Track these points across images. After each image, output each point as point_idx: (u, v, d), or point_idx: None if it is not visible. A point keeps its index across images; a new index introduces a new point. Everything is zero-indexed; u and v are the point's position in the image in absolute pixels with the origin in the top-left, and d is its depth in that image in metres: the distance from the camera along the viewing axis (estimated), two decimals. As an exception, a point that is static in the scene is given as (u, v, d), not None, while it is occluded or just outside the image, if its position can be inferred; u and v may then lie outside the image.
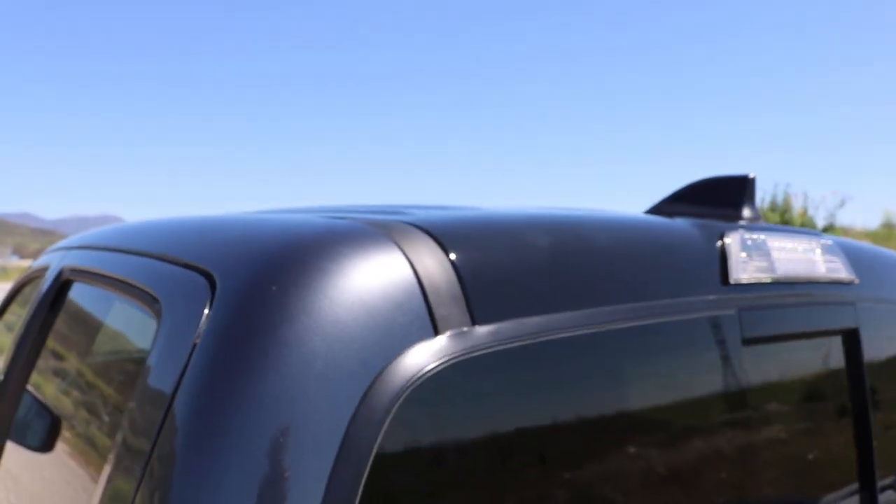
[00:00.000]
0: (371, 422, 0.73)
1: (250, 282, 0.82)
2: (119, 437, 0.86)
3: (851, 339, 1.41)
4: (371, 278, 0.81)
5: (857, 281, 1.43)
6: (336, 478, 0.69)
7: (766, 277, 1.20)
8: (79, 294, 1.58)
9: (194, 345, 0.81)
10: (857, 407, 1.41)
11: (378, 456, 0.72)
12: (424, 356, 0.78)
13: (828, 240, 1.43)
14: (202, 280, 0.90)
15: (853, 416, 1.41)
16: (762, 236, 1.25)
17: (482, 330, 0.83)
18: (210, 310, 0.83)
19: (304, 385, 0.72)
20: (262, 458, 0.69)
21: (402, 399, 0.74)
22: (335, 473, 0.69)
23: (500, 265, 0.90)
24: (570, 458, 0.90)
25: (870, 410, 1.41)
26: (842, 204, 16.00)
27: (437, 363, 0.78)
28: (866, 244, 1.64)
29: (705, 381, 1.12)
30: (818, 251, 1.37)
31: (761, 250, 1.21)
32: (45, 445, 1.26)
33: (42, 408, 1.47)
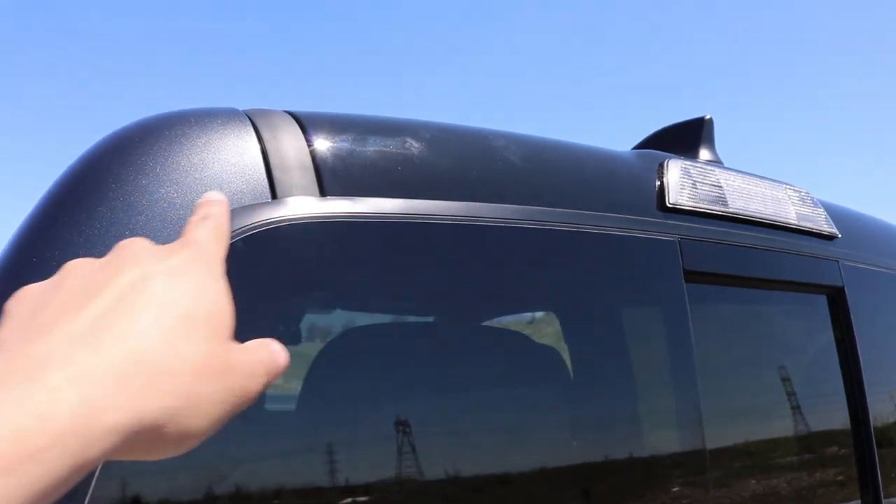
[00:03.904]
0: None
1: (82, 154, 0.78)
2: None
3: (836, 300, 1.26)
4: (208, 147, 0.76)
5: (839, 236, 1.29)
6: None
7: (714, 209, 1.09)
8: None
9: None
10: (847, 372, 1.26)
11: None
12: (253, 215, 0.71)
13: (803, 190, 1.30)
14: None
15: (844, 382, 1.26)
16: (713, 169, 1.14)
17: (331, 201, 0.76)
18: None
19: (134, 227, 0.68)
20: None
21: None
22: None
23: (365, 149, 0.82)
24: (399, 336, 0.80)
25: (863, 377, 1.25)
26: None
27: (264, 222, 0.71)
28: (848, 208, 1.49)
29: (631, 314, 1.00)
30: (790, 196, 1.25)
31: (708, 180, 1.10)
32: None
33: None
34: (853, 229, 1.36)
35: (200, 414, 0.30)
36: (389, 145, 0.84)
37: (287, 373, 0.36)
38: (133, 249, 0.34)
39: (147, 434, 0.28)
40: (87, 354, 0.27)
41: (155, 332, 0.29)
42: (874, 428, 1.25)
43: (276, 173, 0.75)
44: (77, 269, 0.33)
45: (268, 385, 0.34)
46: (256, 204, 0.72)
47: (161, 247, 0.34)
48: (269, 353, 0.35)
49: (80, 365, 0.27)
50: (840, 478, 1.24)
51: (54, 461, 0.25)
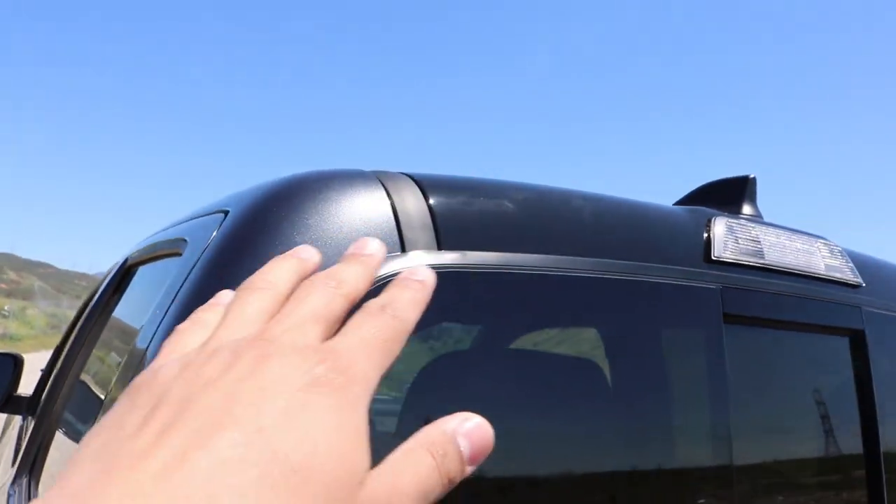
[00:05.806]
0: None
1: (249, 204, 0.96)
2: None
3: (857, 342, 1.43)
4: (352, 205, 0.94)
5: (862, 285, 1.46)
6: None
7: (752, 261, 1.26)
8: (139, 275, 1.75)
9: (201, 253, 0.95)
10: (863, 411, 1.42)
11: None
12: (391, 266, 0.89)
13: (832, 243, 1.47)
14: (220, 216, 1.05)
15: (860, 422, 1.42)
16: (754, 225, 1.31)
17: (446, 254, 0.94)
18: (217, 230, 0.98)
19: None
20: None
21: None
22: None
23: (472, 209, 1.01)
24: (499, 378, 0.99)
25: (877, 415, 1.41)
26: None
27: (398, 272, 0.89)
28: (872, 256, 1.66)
29: (677, 350, 1.18)
30: (820, 250, 1.41)
31: (749, 236, 1.28)
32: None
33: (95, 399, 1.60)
34: (876, 278, 1.52)
35: None
36: (490, 205, 1.02)
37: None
38: (259, 371, 0.28)
39: None
40: None
41: (254, 497, 0.24)
42: (884, 455, 1.41)
43: (404, 230, 0.93)
44: (189, 379, 0.28)
45: None
46: (392, 255, 0.91)
47: (293, 364, 0.28)
48: (413, 475, 0.28)
49: None
50: (851, 498, 1.40)
51: None
